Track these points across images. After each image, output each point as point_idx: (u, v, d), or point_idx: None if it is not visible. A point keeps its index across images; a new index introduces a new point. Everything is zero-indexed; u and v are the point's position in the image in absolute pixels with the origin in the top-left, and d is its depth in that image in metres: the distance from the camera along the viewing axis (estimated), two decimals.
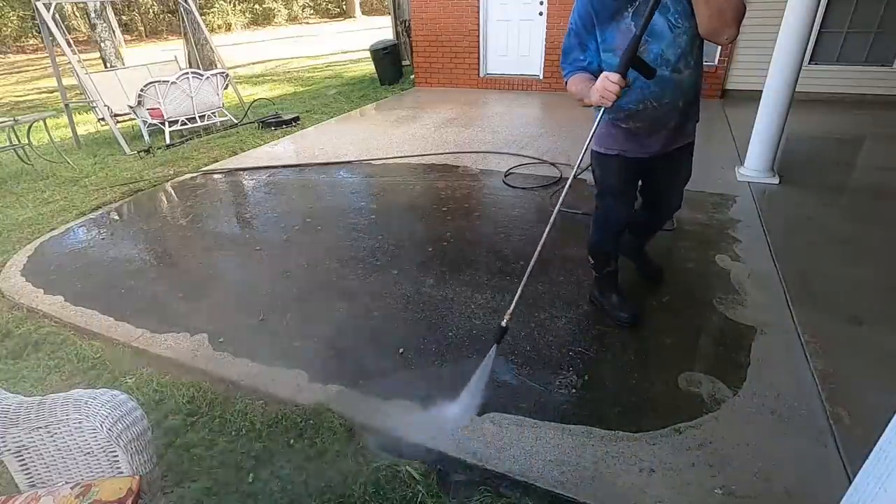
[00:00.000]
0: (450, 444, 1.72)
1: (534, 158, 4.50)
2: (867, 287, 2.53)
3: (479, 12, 7.56)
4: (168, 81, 5.52)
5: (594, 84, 1.66)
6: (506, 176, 4.12)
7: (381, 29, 15.48)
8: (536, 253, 1.81)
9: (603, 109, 1.68)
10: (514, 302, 1.83)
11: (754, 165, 3.88)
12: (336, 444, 1.74)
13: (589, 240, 2.31)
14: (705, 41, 1.75)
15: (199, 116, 5.93)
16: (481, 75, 7.99)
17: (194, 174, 4.63)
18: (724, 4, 1.57)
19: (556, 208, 1.82)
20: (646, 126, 1.91)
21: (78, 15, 21.12)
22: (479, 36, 7.74)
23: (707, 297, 2.45)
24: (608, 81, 1.58)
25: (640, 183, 2.18)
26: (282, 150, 5.31)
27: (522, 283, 1.84)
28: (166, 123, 5.67)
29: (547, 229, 1.80)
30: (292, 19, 29.11)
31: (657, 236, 2.59)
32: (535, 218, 3.46)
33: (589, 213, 2.49)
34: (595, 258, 2.32)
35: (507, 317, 1.80)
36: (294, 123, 6.27)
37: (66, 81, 6.14)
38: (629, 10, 1.71)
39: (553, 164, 4.34)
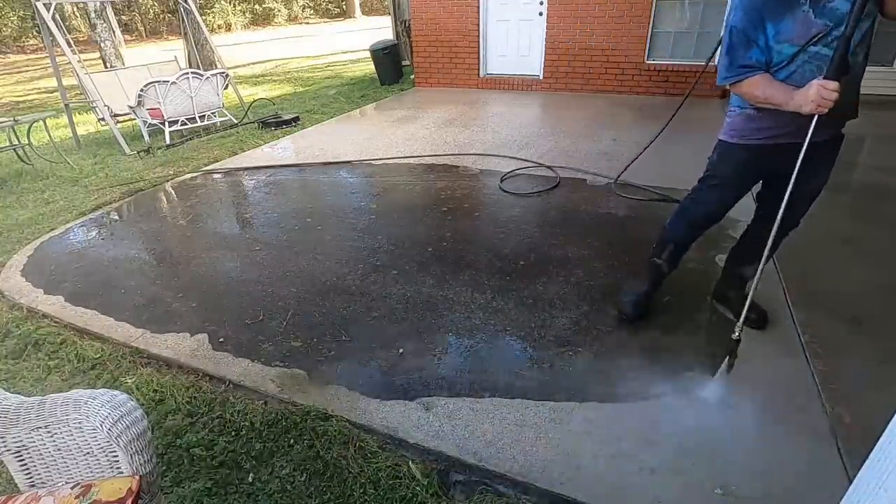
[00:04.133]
0: (450, 444, 1.72)
1: (532, 163, 4.47)
2: (867, 287, 2.53)
3: (479, 12, 7.55)
4: (168, 81, 5.52)
5: (792, 89, 1.62)
6: (502, 181, 4.08)
7: (381, 29, 15.46)
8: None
9: (813, 121, 1.61)
10: (743, 313, 1.87)
11: None
12: (336, 444, 1.74)
13: (668, 221, 2.26)
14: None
15: (199, 116, 5.93)
16: (481, 75, 7.99)
17: (194, 174, 4.63)
18: None
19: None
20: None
21: (78, 15, 21.12)
22: (479, 36, 7.73)
23: (707, 297, 2.45)
24: (825, 90, 1.52)
25: (762, 186, 2.09)
26: (282, 150, 5.31)
27: (749, 296, 1.87)
28: (166, 123, 5.67)
29: None
30: (292, 19, 29.11)
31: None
32: (534, 219, 3.46)
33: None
34: (658, 241, 2.29)
35: (738, 329, 1.83)
36: (294, 123, 6.27)
37: (66, 81, 6.14)
38: None
39: (550, 168, 4.32)
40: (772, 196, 2.03)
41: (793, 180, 1.75)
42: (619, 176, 3.91)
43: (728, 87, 1.82)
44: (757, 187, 2.15)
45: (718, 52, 1.88)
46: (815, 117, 1.62)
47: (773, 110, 1.74)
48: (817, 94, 1.54)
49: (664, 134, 3.67)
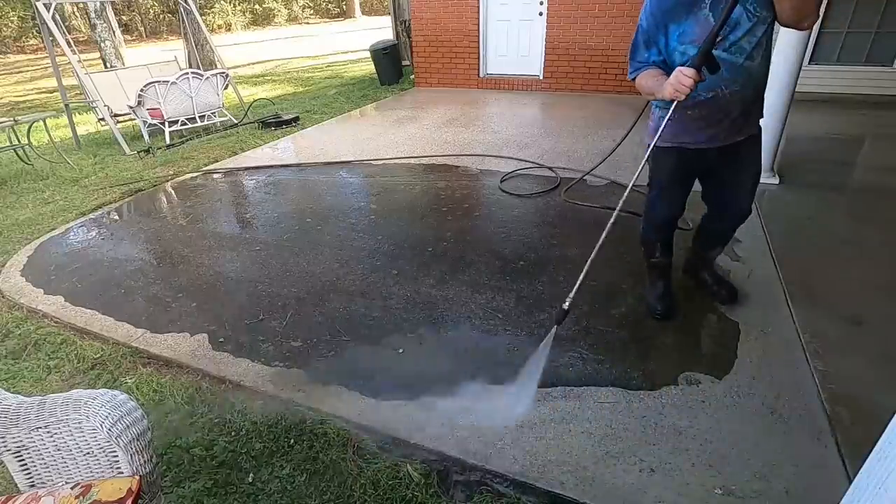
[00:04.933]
0: (450, 444, 1.72)
1: (532, 163, 4.47)
2: (867, 287, 2.53)
3: (479, 12, 7.56)
4: (168, 81, 5.51)
5: (666, 79, 1.70)
6: (502, 181, 4.08)
7: (381, 29, 15.47)
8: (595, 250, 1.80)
9: (673, 105, 1.70)
10: (576, 284, 1.82)
11: None
12: (336, 445, 1.74)
13: (641, 227, 2.38)
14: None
15: (199, 116, 5.93)
16: (481, 75, 7.99)
17: (194, 174, 4.63)
18: None
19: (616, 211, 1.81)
20: (710, 114, 1.89)
21: (78, 15, 21.13)
22: (479, 36, 7.74)
23: (707, 297, 2.45)
24: (682, 76, 1.62)
25: (702, 186, 2.19)
26: (282, 150, 5.31)
27: (588, 263, 1.83)
28: (166, 123, 5.66)
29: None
30: (292, 19, 29.11)
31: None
32: (534, 219, 3.46)
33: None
34: (643, 245, 2.41)
35: (568, 299, 1.79)
36: (294, 123, 6.27)
37: (66, 81, 6.14)
38: (706, 1, 1.72)
39: (551, 169, 4.32)
40: (711, 193, 2.21)
41: (721, 183, 1.92)
42: (582, 176, 3.97)
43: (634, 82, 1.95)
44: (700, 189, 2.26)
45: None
46: (726, 120, 1.83)
47: (681, 114, 1.84)
48: (675, 79, 1.64)
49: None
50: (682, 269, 2.58)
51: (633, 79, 1.93)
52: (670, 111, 1.73)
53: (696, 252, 2.49)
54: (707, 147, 1.97)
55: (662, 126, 1.80)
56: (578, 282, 1.77)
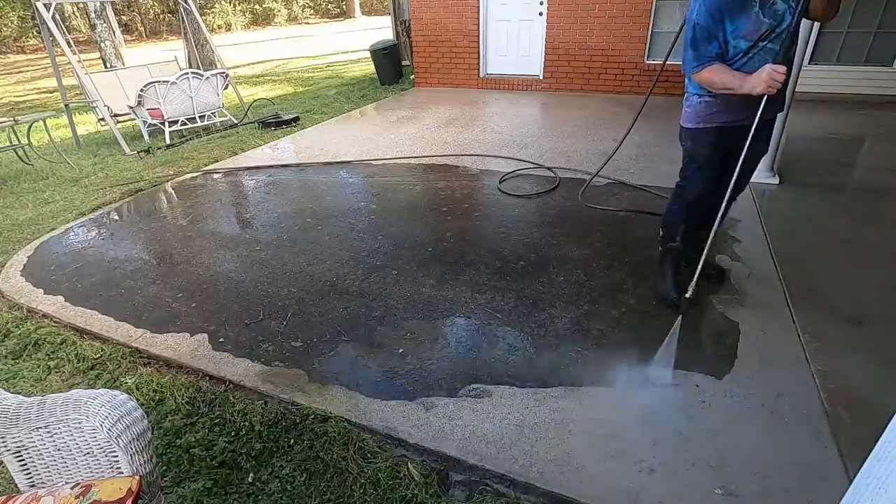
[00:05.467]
0: (450, 444, 1.72)
1: (532, 163, 4.47)
2: (867, 287, 2.53)
3: (479, 12, 7.56)
4: (168, 81, 5.51)
5: (741, 75, 1.91)
6: (501, 182, 4.07)
7: (381, 29, 15.47)
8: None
9: (762, 101, 1.91)
10: (696, 273, 2.04)
11: None
12: (336, 445, 1.74)
13: (665, 210, 2.48)
14: None
15: (199, 116, 5.93)
16: (481, 75, 7.99)
17: (194, 174, 4.63)
18: None
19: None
20: (753, 96, 2.02)
21: (78, 15, 21.13)
22: (479, 36, 7.74)
23: (707, 297, 2.45)
24: (776, 73, 1.82)
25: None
26: (282, 150, 5.31)
27: (704, 254, 2.07)
28: (166, 123, 5.66)
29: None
30: (292, 19, 29.11)
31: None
32: (534, 219, 3.46)
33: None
34: (664, 229, 2.49)
35: (691, 288, 1.96)
36: (294, 123, 6.27)
37: (66, 81, 6.14)
38: (755, 0, 1.90)
39: (550, 169, 4.32)
40: (723, 169, 2.31)
41: (744, 154, 2.05)
42: (588, 182, 3.92)
43: (691, 76, 2.11)
44: None
45: (675, 48, 2.22)
46: (765, 99, 1.92)
47: (725, 98, 2.06)
48: (769, 76, 1.84)
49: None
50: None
51: (693, 72, 2.06)
52: (758, 113, 1.95)
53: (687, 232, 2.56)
54: (745, 124, 2.08)
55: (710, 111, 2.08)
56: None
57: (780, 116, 3.57)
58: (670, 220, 2.46)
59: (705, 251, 2.11)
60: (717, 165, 2.29)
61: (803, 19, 1.94)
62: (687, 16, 2.04)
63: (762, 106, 1.94)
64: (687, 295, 1.99)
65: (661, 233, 2.52)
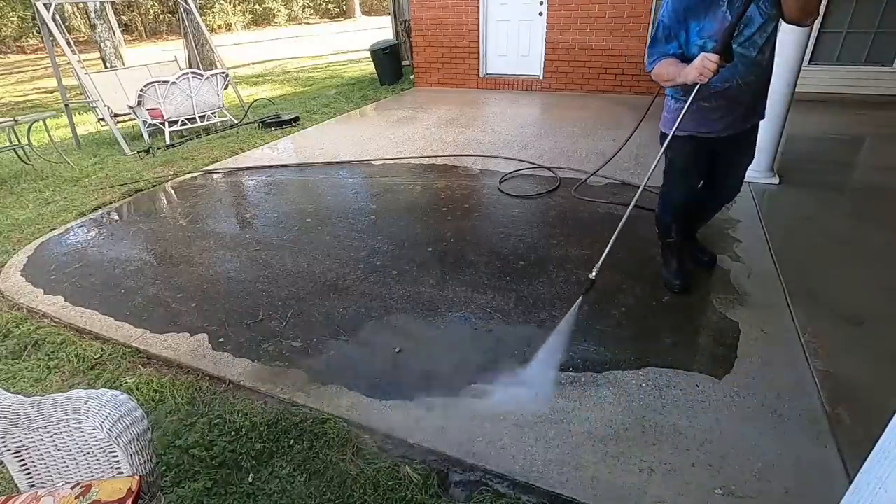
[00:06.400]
0: (450, 444, 1.72)
1: (532, 163, 4.47)
2: (867, 287, 2.53)
3: (479, 12, 7.56)
4: (168, 81, 5.51)
5: (686, 65, 1.89)
6: (501, 182, 4.07)
7: (381, 29, 15.47)
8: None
9: (694, 91, 1.90)
10: (602, 256, 2.06)
11: (754, 166, 3.83)
12: (336, 445, 1.74)
13: (656, 211, 2.55)
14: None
15: (199, 116, 5.93)
16: (481, 75, 7.99)
17: (194, 174, 4.63)
18: None
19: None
20: (726, 105, 2.08)
21: (78, 15, 21.12)
22: (479, 36, 7.74)
23: (707, 297, 2.45)
24: (708, 60, 1.79)
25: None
26: (282, 150, 5.31)
27: (613, 237, 2.06)
28: (166, 123, 5.67)
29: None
30: (292, 19, 29.10)
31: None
32: (534, 219, 3.46)
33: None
34: (658, 227, 2.57)
35: (595, 270, 2.00)
36: (294, 123, 6.27)
37: (66, 81, 6.14)
38: (723, 0, 1.89)
39: (549, 169, 4.32)
40: (709, 174, 2.39)
41: (723, 165, 2.12)
42: (587, 178, 3.99)
43: (649, 73, 2.12)
44: None
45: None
46: (741, 112, 2.01)
47: (699, 107, 2.05)
48: (701, 63, 1.81)
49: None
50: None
51: (650, 70, 2.09)
52: (689, 101, 1.93)
53: (686, 223, 2.63)
54: (720, 135, 2.13)
55: (680, 117, 2.00)
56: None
57: (779, 116, 3.62)
58: (663, 220, 2.52)
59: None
60: (697, 173, 2.34)
61: (782, 21, 1.91)
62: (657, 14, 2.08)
63: (731, 118, 2.02)
64: (591, 275, 2.03)
65: (656, 230, 2.59)
